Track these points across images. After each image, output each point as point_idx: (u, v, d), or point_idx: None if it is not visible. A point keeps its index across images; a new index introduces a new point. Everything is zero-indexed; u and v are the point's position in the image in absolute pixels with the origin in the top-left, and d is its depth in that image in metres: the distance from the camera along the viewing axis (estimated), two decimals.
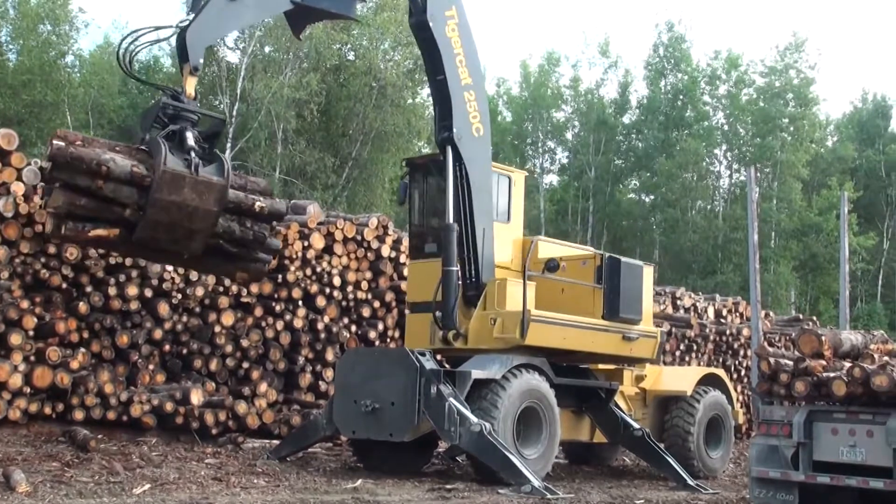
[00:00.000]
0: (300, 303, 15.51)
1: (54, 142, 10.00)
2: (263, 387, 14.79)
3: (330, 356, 15.69)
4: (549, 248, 13.97)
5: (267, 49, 38.31)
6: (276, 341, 15.24)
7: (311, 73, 36.69)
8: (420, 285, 13.22)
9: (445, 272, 12.56)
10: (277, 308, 15.28)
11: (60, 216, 10.23)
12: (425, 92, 44.54)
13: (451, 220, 12.63)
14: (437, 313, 12.63)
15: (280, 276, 15.28)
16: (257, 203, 11.01)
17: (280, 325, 15.28)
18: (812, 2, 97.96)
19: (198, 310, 14.53)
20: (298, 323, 15.42)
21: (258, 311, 15.07)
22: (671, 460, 13.39)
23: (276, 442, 13.81)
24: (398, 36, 39.15)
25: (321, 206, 18.16)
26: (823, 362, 10.23)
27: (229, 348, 14.72)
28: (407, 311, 13.73)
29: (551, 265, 12.93)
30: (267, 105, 35.42)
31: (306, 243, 15.70)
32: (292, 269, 15.44)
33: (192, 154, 10.44)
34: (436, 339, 12.65)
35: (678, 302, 22.62)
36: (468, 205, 12.80)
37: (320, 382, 15.70)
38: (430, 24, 12.72)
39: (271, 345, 15.17)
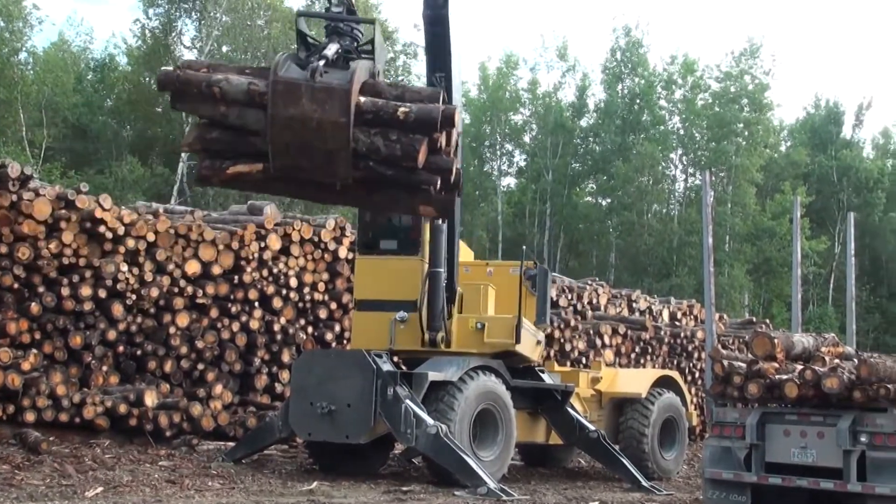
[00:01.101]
0: (256, 304, 15.42)
1: (162, 68, 8.77)
2: (219, 388, 14.69)
3: (286, 358, 15.61)
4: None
5: (224, 48, 38.10)
6: (231, 343, 15.14)
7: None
8: (370, 283, 12.93)
9: (433, 273, 12.47)
10: (233, 309, 15.18)
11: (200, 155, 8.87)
12: None
13: (438, 221, 12.56)
14: (403, 314, 12.52)
15: (236, 278, 15.18)
16: (400, 109, 8.75)
17: (236, 326, 15.18)
18: (767, 9, 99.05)
19: (152, 311, 14.38)
20: (254, 324, 15.33)
21: (214, 313, 14.96)
22: (626, 462, 13.48)
23: (231, 444, 13.71)
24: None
25: (278, 208, 18.07)
26: (776, 365, 10.37)
27: (184, 349, 14.59)
28: (353, 310, 13.34)
29: (530, 274, 13.27)
30: None
31: (263, 244, 15.61)
32: (248, 270, 15.35)
33: (315, 60, 8.71)
34: (394, 340, 12.51)
35: (633, 304, 22.81)
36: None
37: (276, 384, 15.61)
38: (449, 19, 12.30)
39: (227, 346, 15.06)
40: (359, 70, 8.71)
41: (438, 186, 8.98)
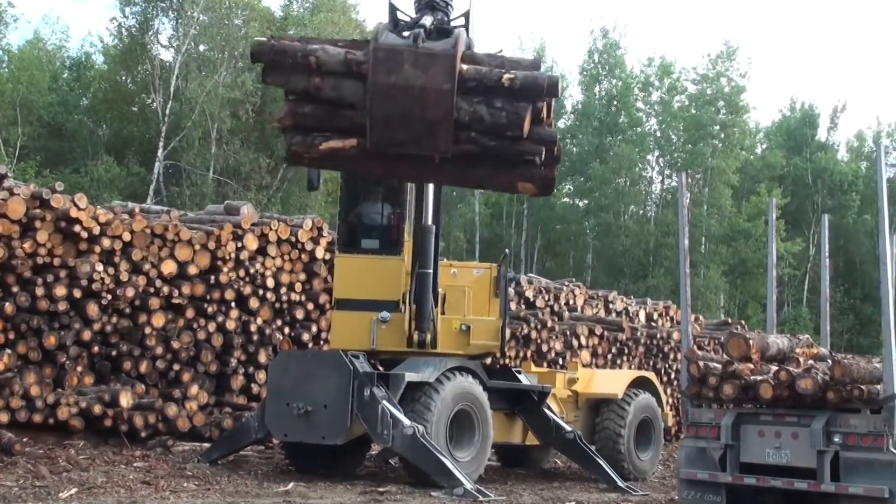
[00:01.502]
0: (233, 304, 15.37)
1: (257, 39, 8.59)
2: (194, 389, 14.63)
3: (262, 358, 15.57)
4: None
5: (202, 48, 37.94)
6: (207, 343, 15.08)
7: (246, 72, 36.41)
8: (351, 282, 12.75)
9: (422, 275, 12.46)
10: (209, 310, 15.12)
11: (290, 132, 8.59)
12: None
13: (431, 222, 12.62)
14: (386, 314, 12.43)
15: (213, 278, 15.12)
16: (505, 75, 8.37)
17: (212, 326, 15.12)
18: (744, 11, 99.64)
19: (128, 311, 14.31)
20: (231, 325, 15.28)
21: (190, 313, 14.90)
22: (602, 462, 13.52)
23: (206, 445, 13.66)
24: (335, 37, 39.00)
25: (255, 207, 18.03)
26: (751, 366, 10.44)
27: (160, 350, 14.53)
28: (333, 309, 13.10)
29: (510, 277, 13.78)
30: (201, 104, 35.06)
31: (240, 244, 15.56)
32: (225, 270, 15.30)
33: (416, 29, 8.52)
34: (376, 340, 12.41)
35: (610, 305, 22.87)
36: (437, 207, 12.78)
37: (252, 385, 15.57)
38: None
39: (203, 347, 15.01)
40: (461, 37, 8.38)
41: (542, 159, 8.56)
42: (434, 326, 12.55)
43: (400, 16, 9.21)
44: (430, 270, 12.52)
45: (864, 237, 53.62)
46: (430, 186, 12.60)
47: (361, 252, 12.85)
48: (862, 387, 9.48)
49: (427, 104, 8.00)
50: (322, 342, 16.35)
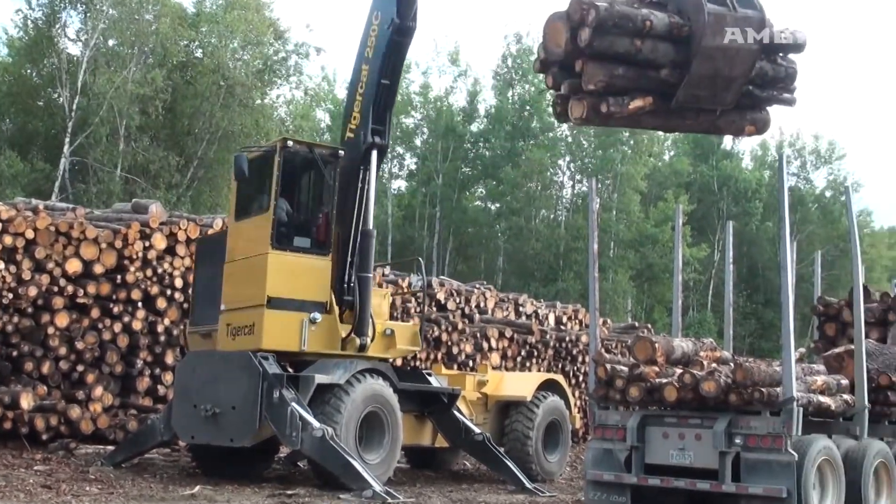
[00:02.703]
0: (140, 304, 15.14)
1: (597, 4, 8.76)
2: (99, 391, 14.38)
3: (170, 359, 15.36)
4: None
5: (111, 42, 37.16)
6: (113, 344, 14.82)
7: (156, 69, 35.78)
8: (283, 280, 12.34)
9: (362, 279, 12.48)
10: (115, 309, 14.87)
11: (595, 96, 9.06)
12: (275, 93, 44.09)
13: (371, 227, 12.68)
14: (316, 315, 12.31)
15: (119, 277, 14.87)
16: (785, 35, 9.45)
17: (118, 326, 14.87)
18: None
19: (30, 310, 13.99)
20: (137, 325, 15.05)
21: (95, 313, 14.63)
22: (510, 464, 13.63)
23: (110, 448, 13.44)
24: (248, 35, 38.62)
25: (164, 206, 17.76)
26: (656, 369, 10.63)
27: (63, 350, 14.23)
28: (266, 308, 12.33)
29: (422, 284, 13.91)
30: (109, 100, 34.34)
31: (148, 243, 15.34)
32: (132, 269, 15.06)
33: None
34: (306, 341, 12.23)
35: (520, 308, 23.06)
36: (366, 211, 12.76)
37: (159, 386, 15.35)
38: (414, 34, 12.71)
39: (108, 347, 14.75)
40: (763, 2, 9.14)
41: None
42: (372, 330, 12.61)
43: None
44: (370, 274, 12.59)
45: (767, 244, 55.06)
46: (372, 191, 12.69)
47: (294, 250, 12.53)
48: (762, 389, 9.73)
49: (735, 63, 8.90)
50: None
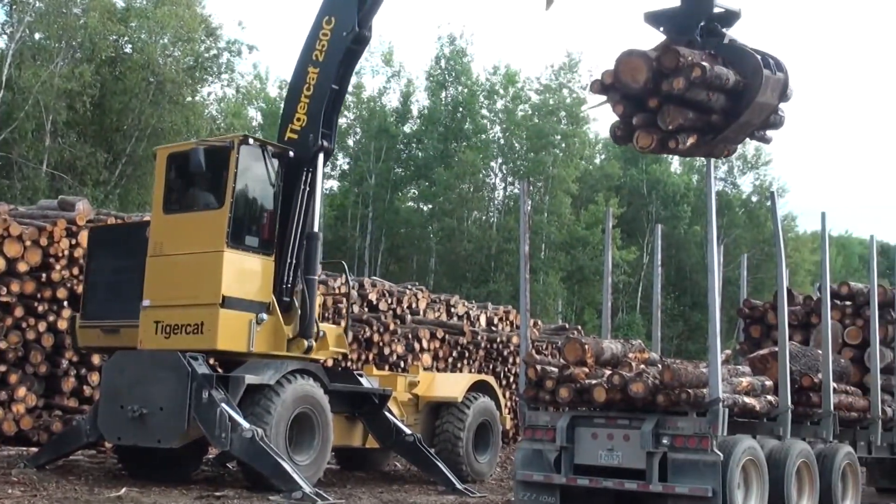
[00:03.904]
0: (65, 303, 14.88)
1: (702, 63, 9.69)
2: (22, 391, 14.11)
3: (96, 360, 15.11)
4: None
5: (37, 36, 36.43)
6: (37, 343, 14.55)
7: (84, 63, 35.14)
8: (234, 279, 12.07)
9: (309, 281, 12.50)
10: (40, 308, 14.59)
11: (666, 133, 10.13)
12: (206, 90, 43.60)
13: (317, 230, 12.72)
14: (263, 315, 12.16)
15: (44, 275, 14.59)
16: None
17: (42, 326, 14.60)
18: (586, 26, 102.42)
19: None
20: (63, 324, 14.78)
21: (18, 312, 14.34)
22: (441, 465, 13.66)
23: (34, 449, 13.18)
24: (179, 31, 38.13)
25: (91, 204, 17.48)
26: (586, 370, 10.74)
27: None
28: (220, 307, 11.94)
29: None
30: (35, 95, 33.63)
31: (74, 241, 15.08)
32: (58, 268, 14.80)
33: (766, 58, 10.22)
34: (253, 341, 12.06)
35: (452, 309, 23.13)
36: (312, 214, 12.74)
37: (85, 387, 15.11)
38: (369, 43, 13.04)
39: (32, 347, 14.48)
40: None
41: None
42: (318, 332, 12.66)
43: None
44: (316, 277, 12.66)
45: (695, 247, 55.89)
46: (317, 194, 12.76)
47: (244, 249, 12.28)
48: (689, 390, 9.89)
49: (761, 114, 10.24)
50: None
